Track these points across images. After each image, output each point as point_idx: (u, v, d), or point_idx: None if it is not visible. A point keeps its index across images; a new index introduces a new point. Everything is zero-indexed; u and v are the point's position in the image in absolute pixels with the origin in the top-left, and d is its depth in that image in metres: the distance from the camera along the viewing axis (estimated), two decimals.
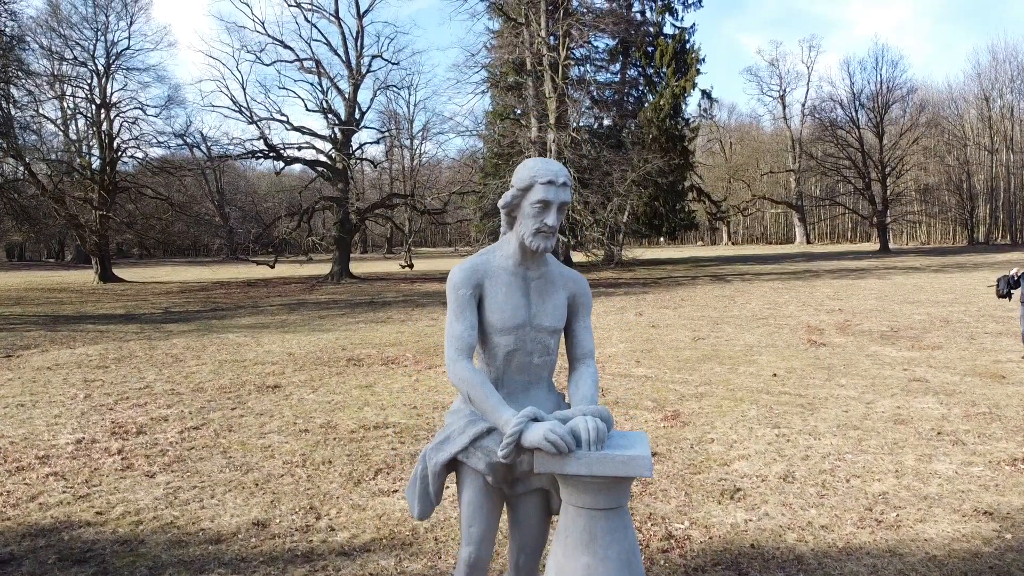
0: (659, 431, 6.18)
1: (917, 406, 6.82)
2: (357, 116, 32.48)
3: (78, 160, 34.06)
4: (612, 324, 13.89)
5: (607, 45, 37.25)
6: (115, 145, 33.13)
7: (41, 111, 31.54)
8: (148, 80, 53.91)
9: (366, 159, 38.02)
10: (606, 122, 38.17)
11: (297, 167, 35.21)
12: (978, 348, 10.00)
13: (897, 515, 4.25)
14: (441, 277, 30.00)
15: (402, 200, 34.83)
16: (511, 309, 2.33)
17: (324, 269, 33.07)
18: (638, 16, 39.02)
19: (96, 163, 33.74)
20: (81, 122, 37.52)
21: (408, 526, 4.24)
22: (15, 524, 4.39)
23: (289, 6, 31.62)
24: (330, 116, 32.13)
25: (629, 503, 2.33)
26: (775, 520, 4.23)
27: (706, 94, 41.77)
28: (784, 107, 70.41)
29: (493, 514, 2.39)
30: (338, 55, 32.54)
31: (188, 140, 33.08)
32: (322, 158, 32.47)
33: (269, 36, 32.96)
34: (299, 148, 32.42)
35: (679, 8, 39.18)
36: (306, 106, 33.64)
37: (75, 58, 32.21)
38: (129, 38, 33.99)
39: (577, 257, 37.97)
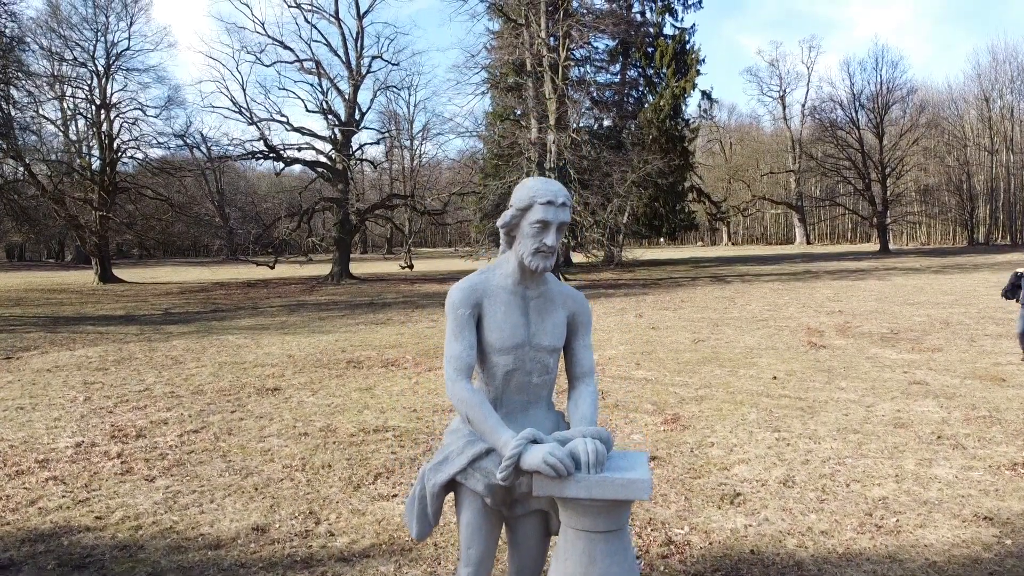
0: (659, 434, 6.17)
1: (917, 409, 6.82)
2: (357, 117, 32.49)
3: (78, 161, 34.06)
4: (612, 326, 13.89)
5: (607, 46, 37.28)
6: (115, 146, 33.13)
7: (41, 112, 31.56)
8: (148, 81, 53.93)
9: (366, 160, 38.05)
10: (606, 123, 38.17)
11: (297, 168, 35.23)
12: (978, 350, 9.99)
13: (897, 520, 4.24)
14: (441, 278, 30.01)
15: (402, 201, 34.86)
16: (510, 328, 2.32)
17: (324, 270, 33.07)
18: (638, 17, 39.05)
19: (96, 164, 33.75)
20: (81, 123, 37.58)
21: (408, 531, 4.24)
22: (14, 529, 4.39)
23: (289, 7, 31.63)
24: (330, 117, 32.15)
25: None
26: (775, 525, 4.22)
27: (706, 95, 41.78)
28: (784, 108, 70.49)
29: (492, 536, 2.38)
30: (338, 56, 32.59)
31: (188, 141, 33.14)
32: (322, 159, 32.48)
33: (269, 37, 33.02)
34: (299, 149, 32.46)
35: (679, 9, 39.22)
36: (306, 107, 33.66)
37: (75, 59, 32.22)
38: (129, 39, 34.02)
39: (577, 258, 37.96)
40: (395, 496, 4.83)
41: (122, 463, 5.63)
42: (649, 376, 8.78)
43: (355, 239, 51.08)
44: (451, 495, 2.46)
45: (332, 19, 32.27)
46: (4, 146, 25.41)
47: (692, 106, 57.27)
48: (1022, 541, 3.92)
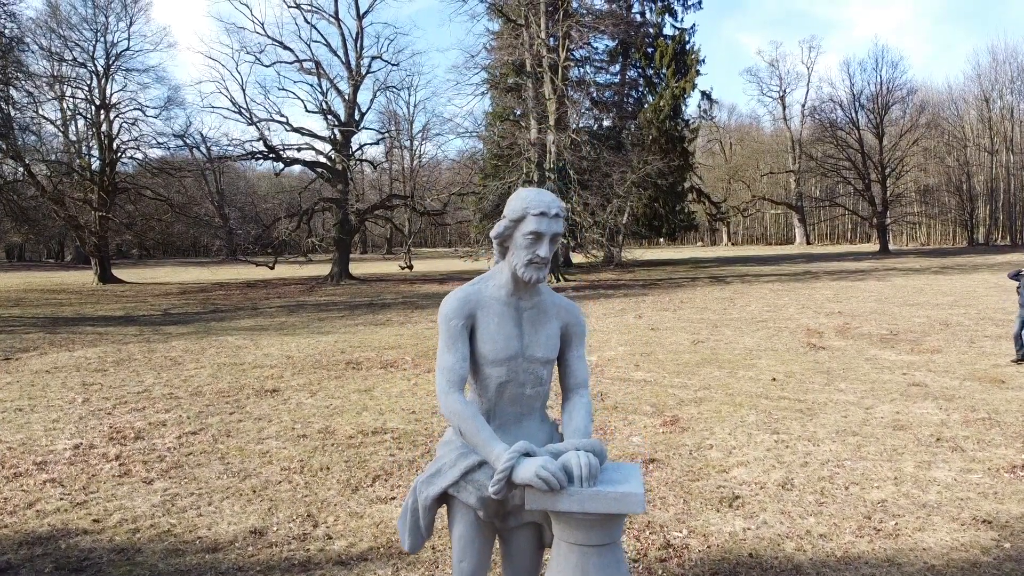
0: (658, 436, 6.17)
1: (916, 411, 6.81)
2: (357, 117, 32.47)
3: (77, 161, 34.06)
4: (611, 327, 13.88)
5: (607, 46, 37.29)
6: (115, 146, 33.11)
7: (41, 112, 31.54)
8: (148, 81, 53.89)
9: (366, 160, 38.03)
10: (606, 123, 38.19)
11: (297, 168, 35.21)
12: (978, 352, 9.99)
13: (896, 523, 4.24)
14: (441, 278, 30.00)
15: (402, 201, 34.83)
16: (503, 340, 2.30)
17: (324, 270, 33.06)
18: (638, 17, 39.05)
19: (96, 164, 33.73)
20: (81, 123, 37.59)
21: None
22: (12, 532, 4.38)
23: (289, 7, 31.64)
24: (330, 117, 32.13)
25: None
26: (773, 528, 4.22)
27: (706, 95, 41.76)
28: (784, 108, 70.47)
29: (485, 549, 2.37)
30: (338, 56, 32.57)
31: (188, 141, 33.10)
32: (322, 159, 32.47)
33: (269, 37, 33.07)
34: (299, 149, 32.43)
35: (679, 9, 39.21)
36: (306, 107, 33.63)
37: (75, 59, 32.20)
38: (129, 39, 33.99)
39: (577, 258, 37.96)
40: (393, 499, 4.82)
41: (120, 465, 5.63)
42: (648, 377, 8.78)
43: (355, 239, 51.07)
44: (444, 507, 2.45)
45: (332, 19, 32.28)
46: (4, 146, 25.41)
47: (692, 106, 57.43)
48: (1021, 544, 3.92)
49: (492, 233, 2.31)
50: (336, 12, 32.51)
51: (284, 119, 32.23)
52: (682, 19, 48.98)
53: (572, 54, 30.49)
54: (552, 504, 2.00)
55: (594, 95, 36.07)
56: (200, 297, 23.83)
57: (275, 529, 4.35)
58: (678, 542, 4.06)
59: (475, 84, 30.97)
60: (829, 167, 49.48)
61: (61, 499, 4.92)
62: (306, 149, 32.47)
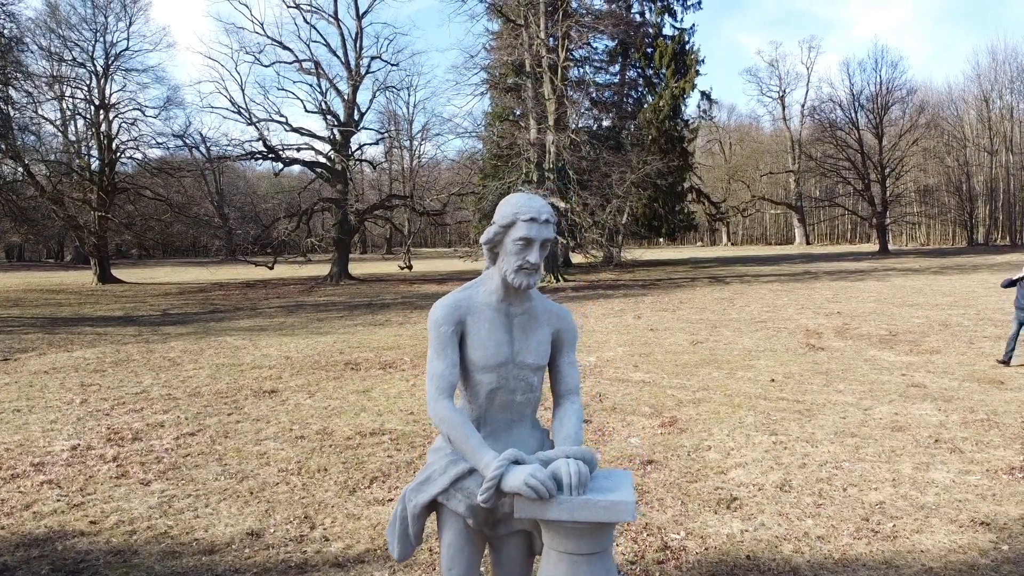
0: (656, 438, 6.16)
1: (915, 412, 6.81)
2: (356, 117, 32.47)
3: (77, 161, 34.05)
4: (610, 327, 13.88)
5: (606, 46, 37.28)
6: (114, 146, 33.12)
7: (40, 112, 31.56)
8: (147, 81, 53.91)
9: (365, 160, 38.01)
10: (605, 123, 38.18)
11: (296, 168, 35.21)
12: (977, 352, 9.98)
13: (894, 525, 4.23)
14: (440, 278, 29.99)
15: (401, 201, 34.81)
16: (494, 346, 2.29)
17: (323, 270, 33.05)
18: (637, 17, 39.04)
19: (95, 164, 33.72)
20: (80, 123, 37.59)
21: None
22: (8, 534, 4.38)
23: (288, 7, 31.60)
24: (329, 117, 32.13)
25: None
26: (771, 530, 4.21)
27: (705, 95, 41.74)
28: (784, 108, 70.46)
29: (474, 557, 2.35)
30: (337, 56, 32.57)
31: (187, 141, 33.11)
32: (321, 159, 32.46)
33: (268, 37, 33.13)
34: (298, 149, 32.43)
35: (678, 9, 39.19)
36: (305, 107, 33.64)
37: (74, 59, 32.21)
38: (128, 39, 34.03)
39: (576, 259, 37.95)
40: (391, 500, 4.82)
41: (118, 467, 5.62)
42: (647, 378, 8.77)
43: (354, 239, 51.06)
44: (434, 515, 2.43)
45: (331, 19, 32.27)
46: (3, 146, 25.40)
47: (691, 106, 57.43)
48: (1019, 547, 3.91)
49: (482, 239, 2.29)
50: (335, 12, 32.55)
51: (283, 119, 32.26)
52: (682, 19, 49.14)
53: (571, 54, 30.49)
54: (541, 512, 1.98)
55: (593, 95, 36.08)
56: (199, 297, 23.83)
57: (272, 531, 4.35)
58: (676, 544, 4.05)
59: (474, 84, 31.00)
60: (829, 167, 49.49)
61: (58, 501, 4.91)
62: (305, 149, 32.49)
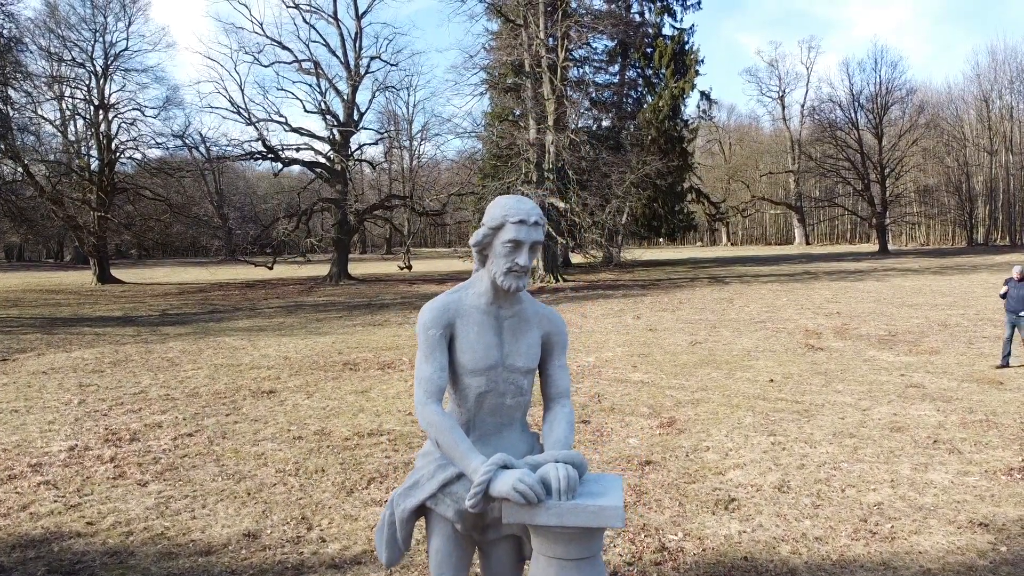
0: (655, 438, 6.15)
1: (914, 413, 6.80)
2: (356, 117, 32.46)
3: (76, 161, 34.03)
4: (609, 327, 13.87)
5: (606, 46, 37.25)
6: (113, 146, 33.11)
7: (39, 112, 31.56)
8: (146, 81, 53.90)
9: (365, 160, 38.01)
10: (605, 123, 38.16)
11: (296, 168, 35.21)
12: (976, 353, 9.97)
13: (892, 527, 4.22)
14: (440, 279, 29.98)
15: (401, 201, 34.80)
16: (483, 349, 2.26)
17: (322, 270, 33.04)
18: (637, 17, 39.03)
19: (94, 164, 33.71)
20: (79, 123, 37.57)
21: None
22: (5, 535, 4.37)
23: (287, 7, 31.58)
24: (328, 117, 32.13)
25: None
26: (769, 531, 4.20)
27: (705, 95, 41.74)
28: (783, 108, 70.45)
29: (463, 563, 2.34)
30: (336, 56, 32.56)
31: (187, 141, 33.09)
32: (320, 159, 32.46)
33: (267, 37, 33.00)
34: (297, 149, 32.44)
35: (678, 9, 39.21)
36: (304, 107, 33.67)
37: (73, 59, 32.19)
38: (127, 39, 34.01)
39: (576, 259, 37.94)
40: (388, 501, 4.80)
41: (115, 467, 5.61)
42: (646, 379, 8.76)
43: (354, 239, 51.05)
44: (423, 520, 2.41)
45: (330, 19, 32.27)
46: (2, 147, 25.38)
47: (691, 106, 57.31)
48: (1017, 548, 3.90)
49: (471, 241, 2.27)
50: (335, 12, 32.52)
51: (283, 119, 32.28)
52: (681, 19, 49.06)
53: (571, 54, 30.49)
54: (530, 518, 1.97)
55: (593, 95, 36.04)
56: (198, 297, 23.81)
57: (269, 532, 4.34)
58: (673, 545, 4.04)
59: (474, 84, 30.99)
60: (828, 167, 49.50)
61: (55, 501, 4.90)
62: (305, 149, 32.50)
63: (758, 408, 7.12)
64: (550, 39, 28.27)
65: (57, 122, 35.76)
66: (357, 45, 32.58)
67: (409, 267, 35.30)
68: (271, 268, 31.61)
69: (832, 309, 15.77)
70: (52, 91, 32.62)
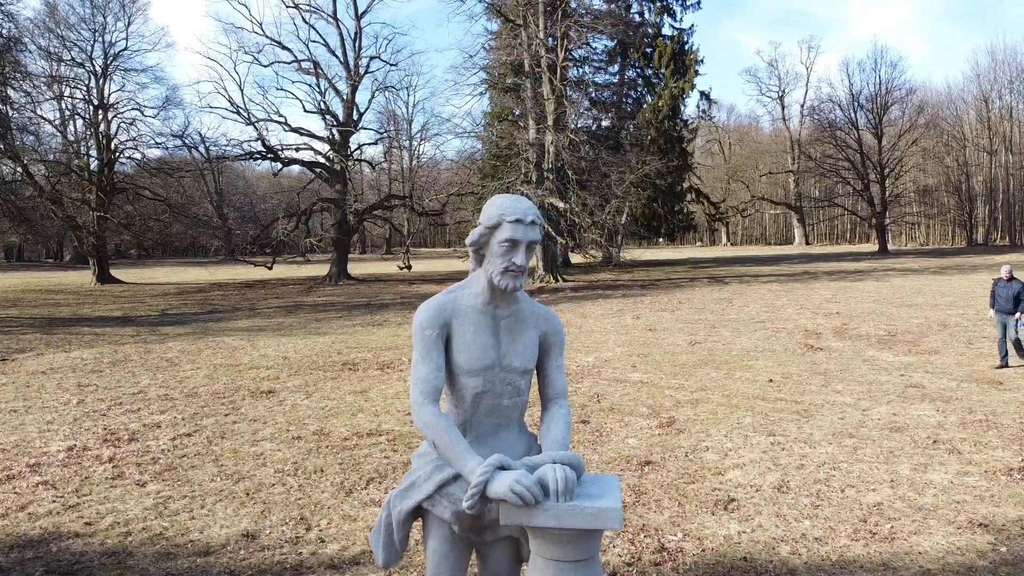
0: (654, 438, 6.15)
1: (913, 413, 6.79)
2: (355, 117, 32.45)
3: (76, 161, 33.99)
4: (609, 327, 13.86)
5: (605, 46, 37.25)
6: (113, 146, 33.09)
7: (39, 112, 31.52)
8: (146, 81, 53.69)
9: (364, 160, 37.99)
10: (604, 123, 38.14)
11: (295, 168, 35.20)
12: (976, 353, 9.97)
13: (891, 527, 4.22)
14: (440, 279, 29.97)
15: (400, 201, 34.78)
16: (479, 349, 2.25)
17: (322, 270, 33.03)
18: (636, 17, 39.03)
19: (94, 164, 33.68)
20: (79, 123, 37.52)
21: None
22: (3, 535, 4.36)
23: (287, 7, 31.57)
24: (328, 117, 32.11)
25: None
26: (768, 532, 4.20)
27: (705, 95, 41.76)
28: (783, 108, 70.45)
29: (460, 564, 2.32)
30: (336, 56, 32.55)
31: (186, 141, 33.07)
32: (320, 159, 32.45)
33: (267, 37, 32.95)
34: (297, 149, 32.43)
35: (678, 9, 39.22)
36: (304, 107, 33.64)
37: (73, 59, 32.18)
38: (127, 39, 34.00)
39: (575, 259, 37.93)
40: None
41: (114, 467, 5.60)
42: (645, 379, 8.76)
43: (353, 240, 51.05)
44: (419, 521, 2.39)
45: (330, 19, 32.26)
46: (1, 147, 25.36)
47: (691, 106, 57.25)
48: (1017, 548, 3.90)
49: (468, 240, 2.26)
50: (334, 12, 32.38)
51: (282, 119, 32.27)
52: (681, 19, 49.08)
53: (571, 54, 30.47)
54: (527, 519, 1.96)
55: (593, 95, 36.03)
56: (198, 297, 23.80)
57: (268, 532, 4.33)
58: (672, 545, 4.04)
59: (473, 84, 30.97)
60: (828, 167, 49.53)
61: (53, 501, 4.89)
62: (304, 149, 32.49)
63: (757, 408, 7.12)
64: (550, 39, 28.27)
65: (56, 122, 35.75)
66: (357, 45, 32.59)
67: (409, 267, 35.30)
68: (270, 268, 31.60)
69: (832, 309, 15.77)
70: (51, 91, 32.60)
